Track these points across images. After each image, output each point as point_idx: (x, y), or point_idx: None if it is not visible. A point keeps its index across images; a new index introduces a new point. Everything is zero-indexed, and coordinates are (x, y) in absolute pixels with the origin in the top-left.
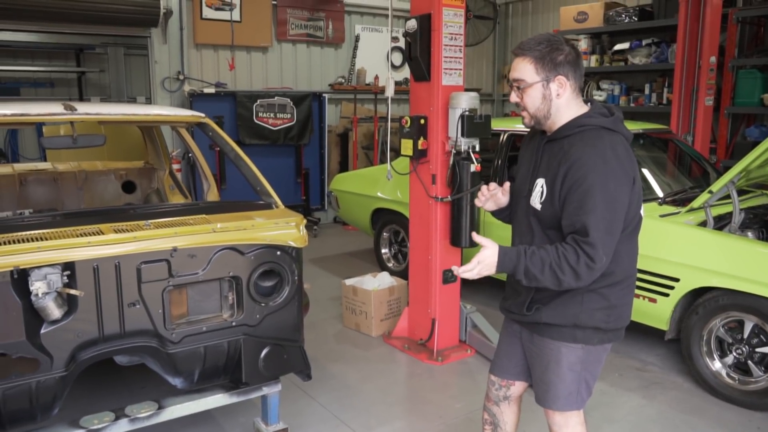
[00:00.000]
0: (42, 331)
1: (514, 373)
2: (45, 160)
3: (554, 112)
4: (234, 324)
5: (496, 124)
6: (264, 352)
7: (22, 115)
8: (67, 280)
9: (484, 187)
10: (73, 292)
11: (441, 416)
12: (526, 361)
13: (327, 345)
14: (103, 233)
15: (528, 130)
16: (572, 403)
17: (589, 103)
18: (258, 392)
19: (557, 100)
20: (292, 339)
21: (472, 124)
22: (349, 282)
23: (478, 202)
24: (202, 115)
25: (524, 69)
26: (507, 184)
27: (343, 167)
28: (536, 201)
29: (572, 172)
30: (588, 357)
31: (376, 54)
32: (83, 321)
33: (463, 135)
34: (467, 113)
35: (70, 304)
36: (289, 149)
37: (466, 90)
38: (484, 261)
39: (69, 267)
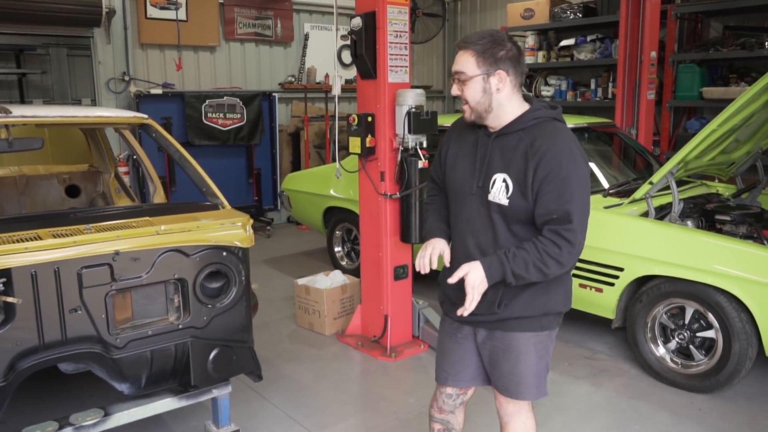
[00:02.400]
0: None
1: (470, 378)
2: None
3: (495, 107)
4: (181, 327)
5: (444, 120)
6: (213, 354)
7: None
8: (2, 288)
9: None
10: (9, 299)
11: (395, 412)
12: (480, 363)
13: (280, 345)
14: (41, 238)
15: (448, 125)
16: (543, 390)
17: (528, 99)
18: (208, 395)
19: (497, 95)
20: (241, 340)
21: (419, 121)
22: (301, 281)
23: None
24: (145, 116)
25: (466, 62)
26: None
27: (296, 166)
28: (500, 197)
29: (544, 163)
30: (550, 342)
31: (325, 52)
32: (21, 329)
33: (410, 132)
34: (413, 110)
35: (6, 312)
36: (240, 149)
37: (413, 87)
38: (475, 282)
39: (4, 274)
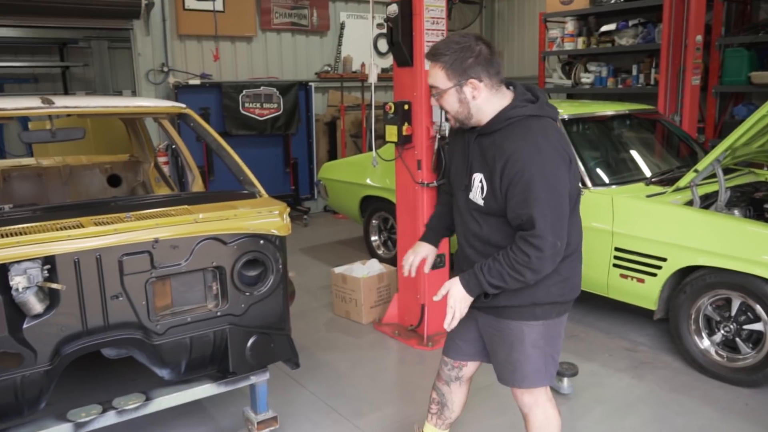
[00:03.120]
0: (24, 325)
1: (468, 354)
2: (32, 156)
3: (475, 112)
4: (219, 314)
5: None
6: (250, 341)
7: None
8: (47, 274)
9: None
10: (54, 286)
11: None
12: (482, 342)
13: (317, 333)
14: (83, 226)
15: None
16: (541, 379)
17: (511, 87)
18: (246, 381)
19: (474, 102)
20: (278, 327)
21: None
22: (338, 270)
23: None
24: (183, 105)
25: (436, 75)
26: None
27: (332, 156)
28: (477, 196)
29: (509, 167)
30: (548, 332)
31: (361, 41)
32: (66, 315)
33: (447, 119)
34: None
35: (51, 298)
36: (276, 139)
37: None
38: (456, 299)
39: (49, 261)
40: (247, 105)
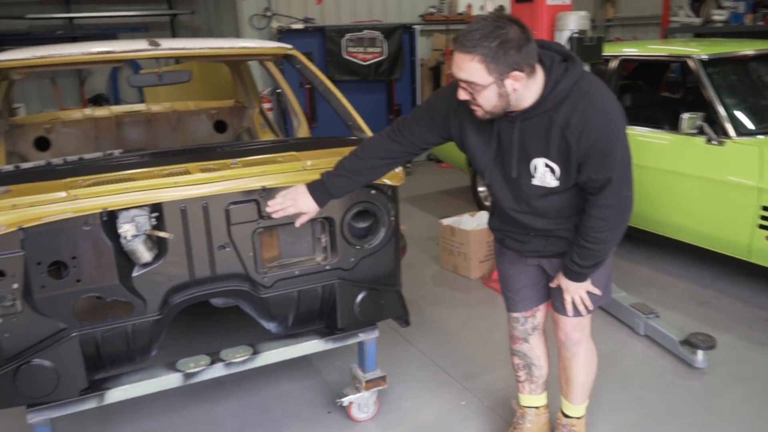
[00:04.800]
0: (134, 274)
1: (535, 299)
2: (143, 103)
3: (514, 102)
4: (328, 267)
5: (606, 50)
6: (360, 297)
7: (107, 52)
8: (155, 222)
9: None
10: (161, 234)
11: (552, 363)
12: (542, 284)
13: (424, 287)
14: (189, 173)
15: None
16: (609, 292)
17: (540, 59)
18: (354, 339)
19: (515, 94)
20: (389, 283)
21: (582, 48)
22: (446, 222)
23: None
24: (289, 46)
25: (472, 70)
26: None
27: None
28: (548, 180)
29: (584, 139)
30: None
31: None
32: (174, 264)
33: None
34: (576, 35)
35: (160, 247)
36: (380, 85)
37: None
38: (573, 289)
39: (157, 209)
40: (350, 49)
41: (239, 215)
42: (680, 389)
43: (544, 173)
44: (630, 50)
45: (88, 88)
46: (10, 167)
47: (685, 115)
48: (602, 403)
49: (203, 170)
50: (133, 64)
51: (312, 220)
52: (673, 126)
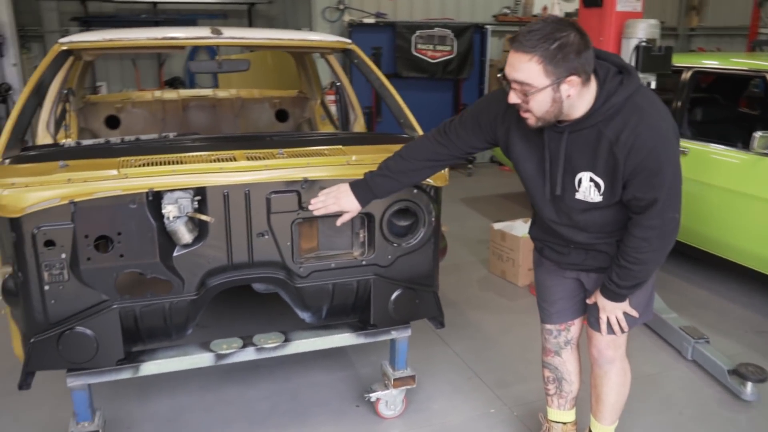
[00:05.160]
0: (174, 254)
1: (570, 313)
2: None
3: (567, 110)
4: (364, 263)
5: (678, 60)
6: (395, 294)
7: (171, 38)
8: (197, 206)
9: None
10: (203, 217)
11: (585, 380)
12: (579, 297)
13: (469, 290)
14: (235, 160)
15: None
16: (649, 313)
17: (594, 71)
18: (386, 336)
19: (568, 100)
20: (425, 284)
21: (649, 57)
22: (497, 226)
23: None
24: (348, 41)
25: (529, 71)
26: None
27: None
28: (592, 195)
29: (634, 156)
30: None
31: None
32: (213, 247)
33: (638, 69)
34: (644, 44)
35: (201, 229)
36: (447, 83)
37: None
38: (609, 308)
39: (200, 192)
40: (419, 46)
41: (280, 204)
42: (723, 421)
43: (589, 188)
44: (706, 62)
45: (166, 71)
46: (72, 143)
47: (758, 134)
48: (637, 424)
49: (249, 158)
50: (211, 51)
51: None
52: (746, 144)
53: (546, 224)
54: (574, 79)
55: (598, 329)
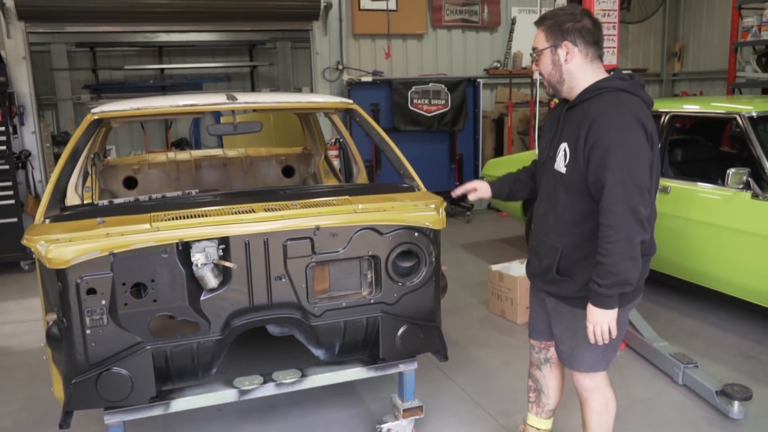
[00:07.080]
0: (201, 298)
1: (546, 334)
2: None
3: (567, 78)
4: (372, 301)
5: (658, 105)
6: (401, 330)
7: (192, 105)
8: (222, 253)
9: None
10: (227, 264)
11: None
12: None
13: (471, 329)
14: (254, 212)
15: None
16: (597, 365)
17: (612, 72)
18: (394, 369)
19: (566, 65)
20: (429, 319)
21: None
22: (495, 267)
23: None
24: (350, 101)
25: (538, 37)
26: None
27: (498, 153)
28: (561, 165)
29: (593, 131)
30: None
31: (533, 36)
32: (236, 291)
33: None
34: None
35: (224, 275)
36: (443, 135)
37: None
38: (597, 319)
39: (224, 241)
40: (415, 101)
41: (295, 250)
42: None
43: (561, 156)
44: (682, 107)
45: (172, 133)
46: (105, 202)
47: (731, 171)
48: None
49: (266, 209)
50: (215, 113)
51: (359, 258)
52: (724, 181)
53: (534, 223)
54: (569, 45)
55: (566, 364)
